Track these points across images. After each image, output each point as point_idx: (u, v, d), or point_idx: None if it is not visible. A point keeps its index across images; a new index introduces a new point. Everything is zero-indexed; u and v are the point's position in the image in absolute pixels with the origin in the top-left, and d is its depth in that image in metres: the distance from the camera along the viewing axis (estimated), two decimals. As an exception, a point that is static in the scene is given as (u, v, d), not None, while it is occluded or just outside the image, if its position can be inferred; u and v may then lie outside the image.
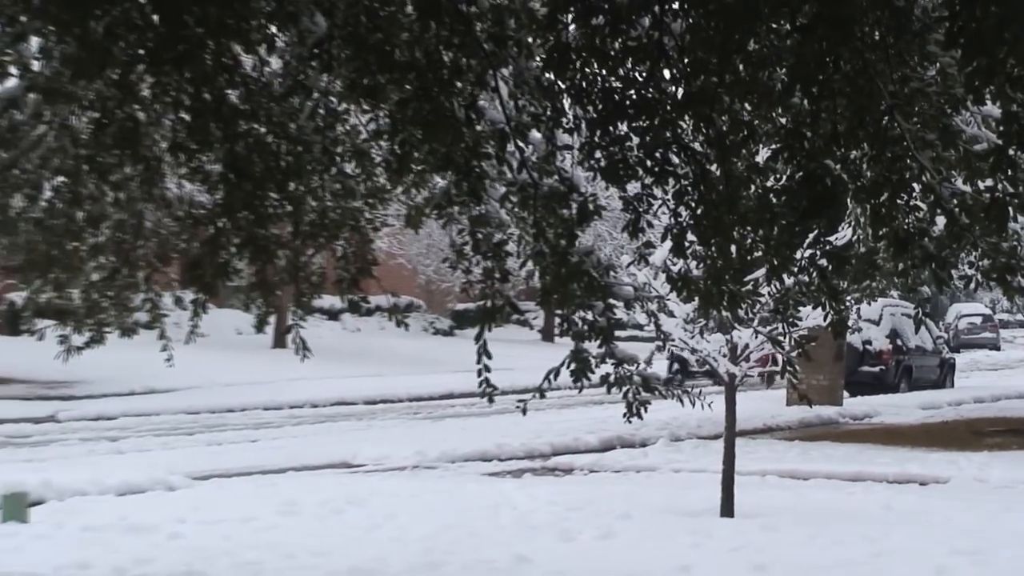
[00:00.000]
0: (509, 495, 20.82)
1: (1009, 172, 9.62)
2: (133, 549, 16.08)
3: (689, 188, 10.52)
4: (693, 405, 14.07)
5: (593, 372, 11.31)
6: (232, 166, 11.25)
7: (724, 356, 18.99)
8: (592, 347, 11.27)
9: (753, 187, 10.62)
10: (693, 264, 11.22)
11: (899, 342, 44.92)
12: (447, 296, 64.90)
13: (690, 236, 10.75)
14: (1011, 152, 9.46)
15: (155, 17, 9.67)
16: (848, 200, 10.80)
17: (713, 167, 10.51)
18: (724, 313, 11.98)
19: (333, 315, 56.03)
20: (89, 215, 13.18)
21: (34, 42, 11.57)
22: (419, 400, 41.36)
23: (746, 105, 10.33)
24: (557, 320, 12.16)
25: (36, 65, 11.79)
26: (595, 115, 10.24)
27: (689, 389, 13.47)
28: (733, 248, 10.83)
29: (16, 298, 45.54)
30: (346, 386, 41.90)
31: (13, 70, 11.60)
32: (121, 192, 12.90)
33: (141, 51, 10.12)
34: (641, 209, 10.79)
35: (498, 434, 29.79)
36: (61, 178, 12.96)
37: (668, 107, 10.17)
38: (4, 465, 25.85)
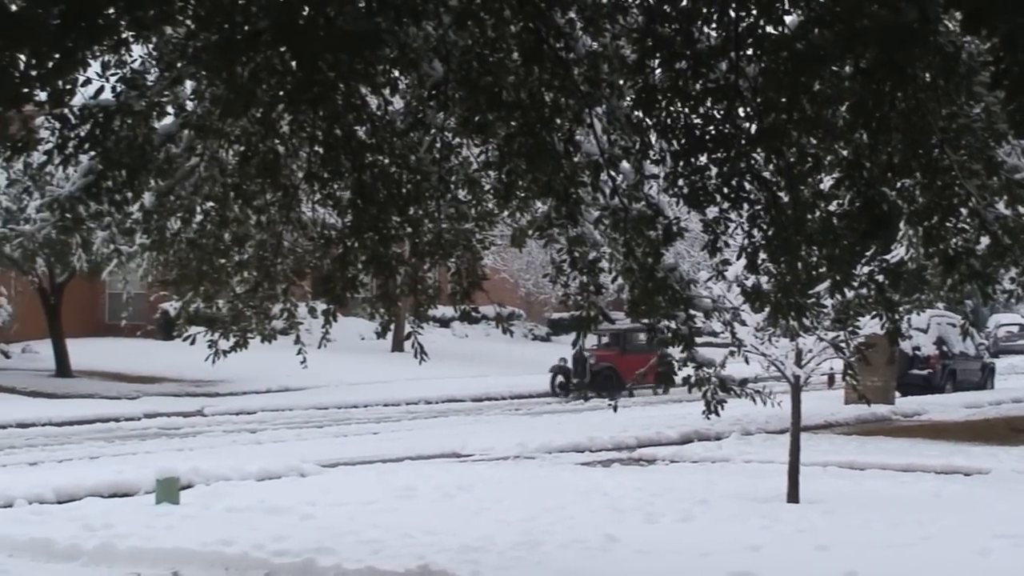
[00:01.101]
0: (599, 482, 20.79)
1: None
2: (270, 528, 16.18)
3: (761, 212, 10.51)
4: (764, 404, 14.00)
5: (676, 374, 11.32)
6: (360, 193, 11.33)
7: (790, 360, 18.94)
8: (675, 352, 11.27)
9: (818, 211, 10.58)
10: (764, 279, 11.21)
11: (945, 348, 44.51)
12: (544, 306, 64.91)
13: (762, 254, 10.73)
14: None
15: (293, 63, 9.73)
16: (902, 223, 10.75)
17: (783, 194, 10.49)
18: (791, 322, 11.91)
19: (445, 323, 56.08)
20: (235, 236, 13.29)
21: (188, 85, 11.70)
22: (520, 398, 41.33)
23: (812, 139, 10.30)
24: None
25: (190, 105, 11.93)
26: (678, 148, 10.25)
27: (760, 390, 13.40)
28: (800, 265, 10.81)
29: (169, 308, 45.97)
30: (456, 385, 41.96)
31: (170, 109, 11.73)
32: (263, 215, 13.00)
33: (281, 92, 10.19)
34: (719, 231, 10.81)
35: (590, 428, 29.74)
36: (211, 203, 13.07)
37: (743, 141, 10.17)
38: (158, 453, 26.14)
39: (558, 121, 10.30)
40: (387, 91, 10.98)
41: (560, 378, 42.40)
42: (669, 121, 10.16)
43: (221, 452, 26.64)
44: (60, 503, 18.91)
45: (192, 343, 14.06)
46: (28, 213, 35.75)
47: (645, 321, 11.56)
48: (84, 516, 17.06)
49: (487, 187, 12.23)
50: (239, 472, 21.68)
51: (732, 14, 9.60)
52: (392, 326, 13.63)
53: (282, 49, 9.57)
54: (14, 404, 35.35)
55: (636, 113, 10.39)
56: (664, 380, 11.09)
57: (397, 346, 49.26)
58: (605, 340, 43.65)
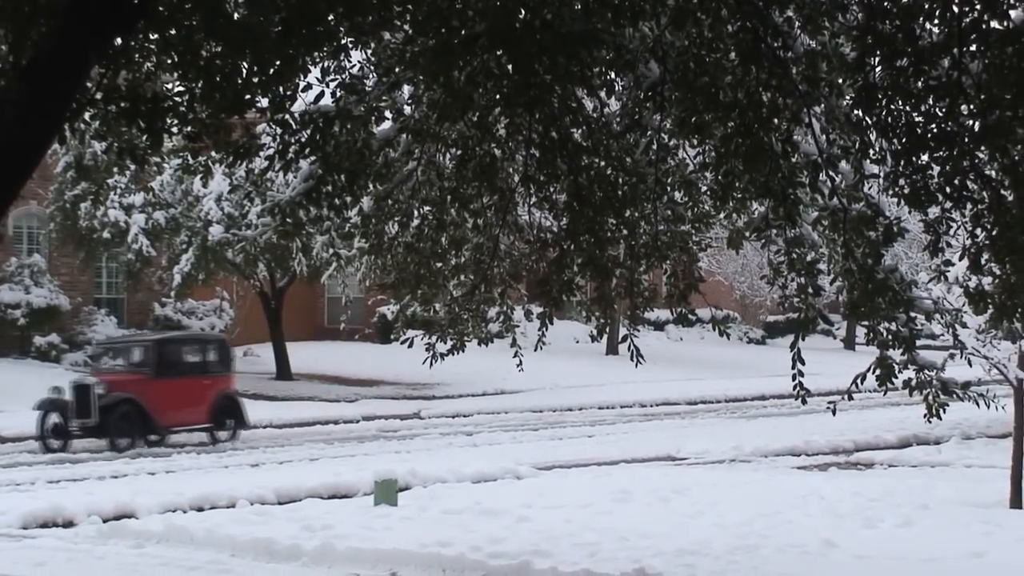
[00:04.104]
0: (816, 486, 20.51)
1: None
2: (487, 530, 16.26)
3: (985, 212, 10.27)
4: (987, 407, 13.67)
5: (896, 377, 11.12)
6: (576, 195, 11.33)
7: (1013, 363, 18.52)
8: (895, 354, 11.08)
9: (1044, 210, 10.30)
10: (988, 280, 10.96)
11: None
12: (759, 309, 64.37)
13: (986, 255, 10.50)
14: None
15: (509, 66, 9.77)
16: None
17: (1007, 192, 10.23)
18: (1016, 324, 11.63)
19: (659, 326, 55.92)
20: (452, 239, 13.38)
21: (406, 90, 11.82)
22: (734, 401, 41.00)
23: (1039, 136, 10.03)
24: (862, 330, 11.94)
25: (407, 109, 12.04)
26: (899, 147, 10.06)
27: (983, 393, 13.09)
28: (1026, 265, 10.55)
29: (386, 311, 46.54)
30: (670, 388, 41.77)
31: (388, 114, 11.86)
32: (479, 219, 13.06)
33: (497, 96, 10.25)
34: (941, 231, 10.57)
35: (805, 432, 29.40)
36: (428, 207, 13.18)
37: (966, 139, 9.94)
38: (376, 455, 26.45)
39: (776, 121, 10.18)
40: (603, 93, 10.98)
41: (54, 418, 28.34)
42: (890, 120, 9.97)
43: (437, 454, 26.89)
44: (281, 504, 19.25)
45: (410, 346, 14.18)
46: (249, 219, 36.49)
47: (865, 323, 11.34)
48: (304, 517, 17.34)
49: (704, 188, 12.14)
50: (455, 474, 21.85)
51: (955, 9, 9.39)
52: (607, 329, 13.60)
53: (499, 53, 9.62)
54: (237, 406, 36.04)
55: (856, 112, 10.23)
56: (883, 381, 10.93)
57: (611, 349, 49.25)
58: (125, 360, 30.80)
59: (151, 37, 8.60)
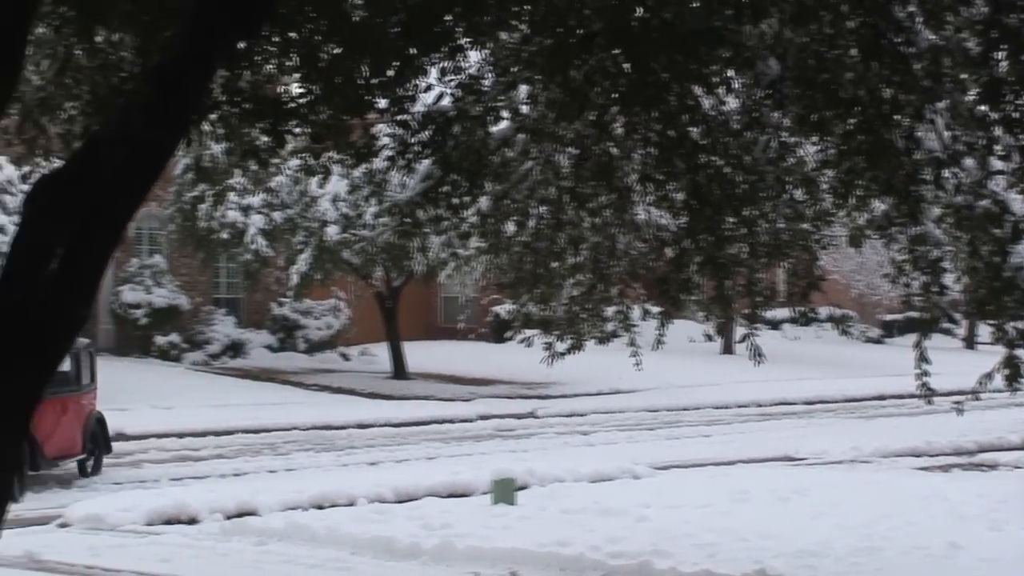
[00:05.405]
0: (939, 488, 20.28)
1: None
2: (605, 529, 16.25)
3: None
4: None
5: (1023, 377, 10.97)
6: (694, 194, 11.29)
7: None
8: (1023, 354, 10.93)
9: None
10: None
11: None
12: (876, 308, 63.78)
13: None
14: None
15: (627, 65, 9.75)
16: None
17: None
18: None
19: (775, 325, 55.54)
20: (569, 238, 13.36)
21: (523, 89, 11.82)
22: (853, 401, 40.58)
23: None
24: (985, 329, 11.80)
25: (525, 109, 12.04)
26: (1026, 143, 9.92)
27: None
28: None
29: (501, 311, 46.62)
30: (787, 388, 41.43)
31: (505, 114, 11.87)
32: (597, 218, 13.04)
33: (615, 95, 10.23)
34: (1072, 228, 10.42)
35: (926, 432, 29.05)
36: (545, 206, 13.17)
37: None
38: (493, 455, 26.50)
39: (897, 117, 10.06)
40: (722, 91, 10.90)
41: None
42: (1016, 115, 9.82)
43: (554, 454, 26.90)
44: (400, 503, 19.32)
45: (529, 345, 14.18)
46: (365, 219, 36.68)
47: (991, 322, 11.21)
48: (423, 515, 17.42)
49: (824, 186, 12.03)
50: (572, 474, 21.83)
51: (1086, 0, 9.24)
52: (725, 328, 13.55)
53: (616, 51, 9.60)
54: (354, 405, 36.32)
55: (980, 107, 10.08)
56: (1011, 381, 10.78)
57: (727, 348, 48.98)
58: None
59: (273, 39, 8.67)
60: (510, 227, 13.46)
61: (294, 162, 16.71)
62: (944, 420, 28.68)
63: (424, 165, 11.34)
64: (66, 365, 22.34)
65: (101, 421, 23.48)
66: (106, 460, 24.28)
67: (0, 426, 6.84)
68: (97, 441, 23.33)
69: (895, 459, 26.09)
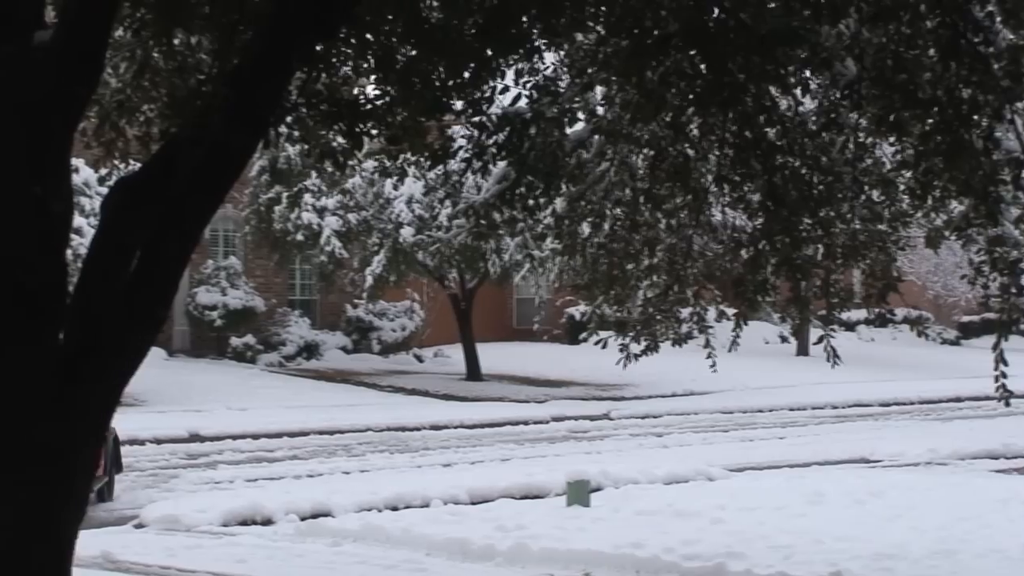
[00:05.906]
0: (1017, 490, 20.07)
1: None
2: (680, 531, 16.20)
3: None
4: None
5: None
6: (771, 195, 11.23)
7: None
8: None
9: None
10: None
11: None
12: (952, 309, 63.36)
13: None
14: None
15: (703, 66, 9.71)
16: None
17: None
18: None
19: (850, 326, 55.24)
20: (645, 240, 13.33)
21: (599, 90, 11.81)
22: (929, 403, 40.31)
23: None
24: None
25: (600, 110, 12.03)
26: (1106, 142, 9.82)
27: None
28: None
29: (575, 312, 46.62)
30: (862, 390, 41.19)
31: (581, 115, 11.86)
32: (672, 220, 13.00)
33: (691, 96, 10.19)
34: None
35: (1004, 434, 28.76)
36: (621, 208, 13.15)
37: None
38: (567, 456, 26.50)
39: (976, 118, 9.97)
40: (799, 92, 10.85)
41: None
42: (1097, 115, 9.74)
43: (628, 455, 26.87)
44: (474, 504, 19.36)
45: (604, 347, 14.17)
46: (439, 221, 36.78)
47: None
48: (497, 517, 17.43)
49: (902, 187, 11.95)
50: (647, 475, 21.81)
51: None
52: (802, 330, 13.50)
53: (692, 52, 9.56)
54: (428, 407, 36.43)
55: (1061, 107, 10.00)
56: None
57: (802, 350, 48.72)
58: None
59: (350, 42, 8.70)
60: (585, 229, 13.43)
61: (370, 164, 16.79)
62: (1022, 422, 28.50)
63: (500, 167, 11.34)
64: None
65: (116, 440, 21.34)
66: (182, 462, 24.44)
67: (80, 427, 6.90)
68: (115, 462, 21.52)
69: (972, 461, 25.87)
